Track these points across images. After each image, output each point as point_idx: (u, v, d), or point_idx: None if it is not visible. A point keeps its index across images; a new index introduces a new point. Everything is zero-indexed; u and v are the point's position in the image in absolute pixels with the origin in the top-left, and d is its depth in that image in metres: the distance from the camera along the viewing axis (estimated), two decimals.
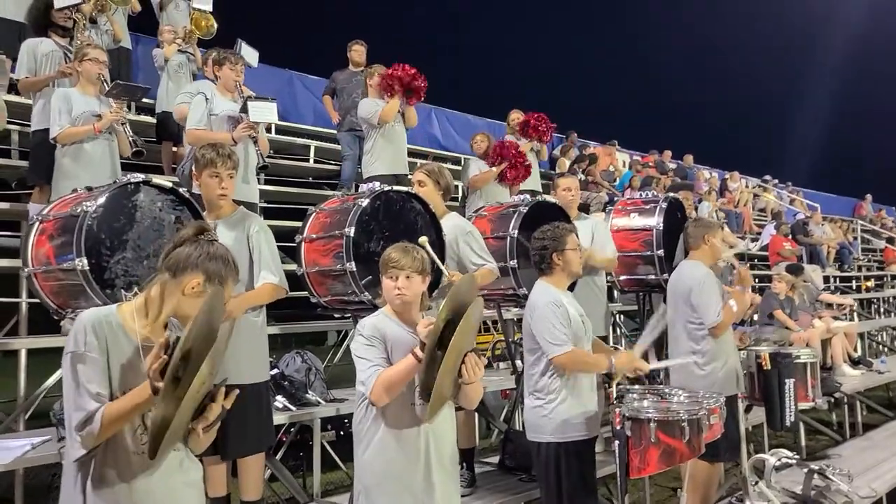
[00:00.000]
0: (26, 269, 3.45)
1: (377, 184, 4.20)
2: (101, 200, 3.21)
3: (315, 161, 9.26)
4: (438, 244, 4.13)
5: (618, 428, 3.41)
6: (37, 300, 5.25)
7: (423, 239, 3.79)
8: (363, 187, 4.25)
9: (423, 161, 9.63)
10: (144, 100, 7.24)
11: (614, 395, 3.59)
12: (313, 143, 9.31)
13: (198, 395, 2.02)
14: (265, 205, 5.98)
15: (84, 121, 4.73)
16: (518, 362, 5.36)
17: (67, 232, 3.20)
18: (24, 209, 5.75)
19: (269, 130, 5.89)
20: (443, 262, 4.08)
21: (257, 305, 3.75)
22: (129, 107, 5.09)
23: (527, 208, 4.88)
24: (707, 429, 3.49)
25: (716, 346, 4.42)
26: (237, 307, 3.48)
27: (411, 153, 10.59)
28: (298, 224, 7.13)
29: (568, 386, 3.63)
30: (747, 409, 5.12)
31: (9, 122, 5.32)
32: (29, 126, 5.53)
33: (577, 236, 3.85)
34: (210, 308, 2.03)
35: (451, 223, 4.34)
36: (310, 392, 4.59)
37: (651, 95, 29.77)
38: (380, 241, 3.99)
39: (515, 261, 4.73)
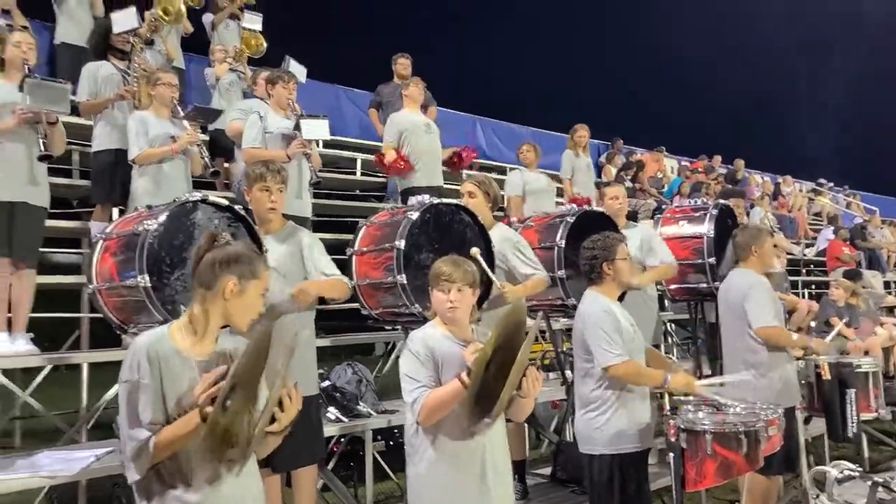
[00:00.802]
0: (91, 286, 3.58)
1: (426, 196, 4.23)
2: (162, 219, 3.31)
3: (361, 174, 9.37)
4: (487, 255, 4.15)
5: (672, 440, 3.37)
6: (98, 315, 5.44)
7: (475, 250, 3.82)
8: (412, 200, 4.29)
9: (472, 173, 9.67)
10: None
11: (667, 407, 3.56)
12: (360, 156, 9.42)
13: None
14: (313, 218, 6.07)
15: (161, 142, 4.90)
16: (568, 373, 5.33)
17: (130, 250, 3.32)
18: (85, 227, 5.96)
19: (316, 144, 5.99)
20: (492, 272, 4.10)
21: (308, 318, 3.81)
22: (202, 128, 5.28)
23: (574, 218, 4.87)
24: (765, 441, 3.41)
25: (772, 355, 4.32)
26: (309, 289, 3.55)
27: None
28: (346, 237, 7.27)
29: (620, 397, 3.59)
30: (806, 421, 4.99)
31: (69, 143, 5.52)
32: (89, 146, 5.74)
33: (626, 246, 3.83)
34: (258, 344, 2.09)
35: (499, 234, 4.36)
36: (361, 403, 4.64)
37: (699, 99, 29.31)
38: (429, 254, 4.02)
39: (563, 271, 4.71)
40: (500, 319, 2.67)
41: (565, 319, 5.63)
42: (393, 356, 8.29)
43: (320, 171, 5.76)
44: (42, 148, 4.37)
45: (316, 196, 8.17)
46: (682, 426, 3.37)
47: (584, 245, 3.82)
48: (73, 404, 7.41)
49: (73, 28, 7.11)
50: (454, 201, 4.27)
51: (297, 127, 5.18)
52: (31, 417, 7.03)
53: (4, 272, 4.38)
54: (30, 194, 4.46)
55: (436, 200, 4.18)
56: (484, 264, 3.84)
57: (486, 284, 3.92)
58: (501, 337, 2.63)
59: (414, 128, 6.40)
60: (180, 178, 5.02)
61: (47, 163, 4.50)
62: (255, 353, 2.06)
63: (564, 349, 5.85)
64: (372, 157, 9.43)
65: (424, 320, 3.85)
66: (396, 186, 7.89)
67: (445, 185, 7.92)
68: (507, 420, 3.03)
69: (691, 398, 3.79)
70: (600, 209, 5.20)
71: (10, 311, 4.46)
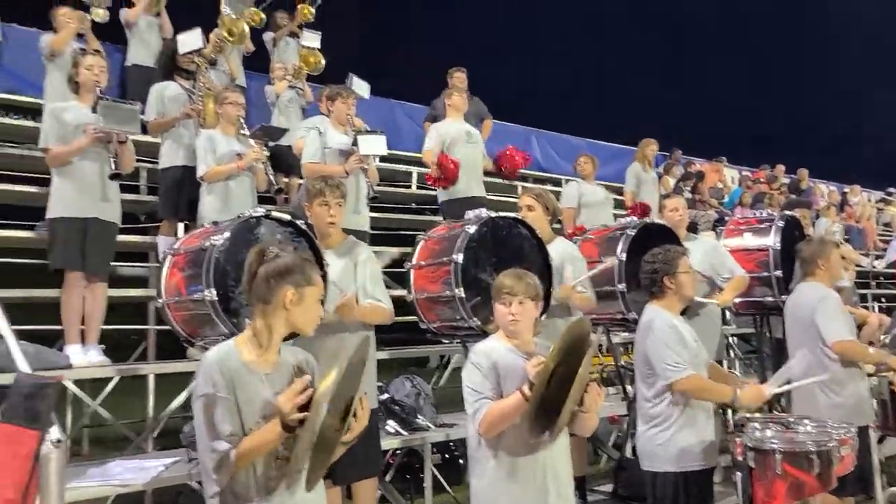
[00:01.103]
0: (160, 300, 3.69)
1: (483, 210, 4.25)
2: (227, 235, 3.40)
3: (417, 187, 9.44)
4: (545, 270, 4.13)
5: (740, 458, 3.29)
6: (164, 327, 5.59)
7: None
8: (469, 213, 4.31)
9: (528, 185, 9.65)
10: None
11: (733, 424, 3.47)
12: (415, 170, 9.49)
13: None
14: (371, 232, 6.13)
15: (227, 160, 5.04)
16: (629, 387, 5.25)
17: (197, 265, 3.41)
18: (152, 241, 6.15)
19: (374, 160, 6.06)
20: (550, 288, 4.08)
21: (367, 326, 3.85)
22: (266, 145, 5.43)
23: (635, 231, 4.80)
24: (838, 461, 3.29)
25: (844, 372, 4.17)
26: (352, 310, 3.57)
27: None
28: (402, 250, 7.33)
29: (684, 413, 3.52)
30: (880, 440, 4.79)
31: (138, 160, 5.70)
32: (156, 163, 5.93)
33: (689, 259, 3.77)
34: (358, 355, 2.16)
35: (558, 248, 4.33)
36: (420, 417, 4.66)
37: (760, 107, 28.59)
38: (486, 267, 4.03)
39: (624, 284, 4.65)
40: (562, 333, 2.66)
41: (625, 333, 5.56)
42: (449, 369, 8.32)
43: (377, 185, 5.83)
44: (112, 166, 4.53)
45: (372, 210, 8.27)
46: (749, 444, 3.29)
47: (644, 259, 3.77)
48: (139, 413, 7.62)
49: (142, 50, 7.37)
50: (512, 215, 4.27)
51: (355, 142, 5.26)
52: (99, 426, 7.25)
53: (78, 286, 4.54)
54: (102, 210, 4.62)
55: (493, 214, 4.19)
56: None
57: (546, 296, 3.90)
58: (563, 350, 2.63)
59: (455, 137, 6.38)
60: (246, 195, 5.15)
61: (118, 181, 4.66)
62: (356, 365, 2.13)
63: (624, 363, 5.77)
64: (428, 171, 9.56)
65: (483, 334, 3.87)
66: None
67: (504, 198, 7.93)
68: (571, 435, 3.00)
69: (758, 415, 3.69)
70: (661, 222, 5.12)
71: (83, 324, 4.62)
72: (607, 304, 4.55)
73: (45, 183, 6.00)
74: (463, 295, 3.92)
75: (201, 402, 2.23)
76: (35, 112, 7.29)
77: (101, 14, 6.80)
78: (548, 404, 2.62)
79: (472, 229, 4.01)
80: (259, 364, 2.33)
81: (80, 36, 6.53)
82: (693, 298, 3.87)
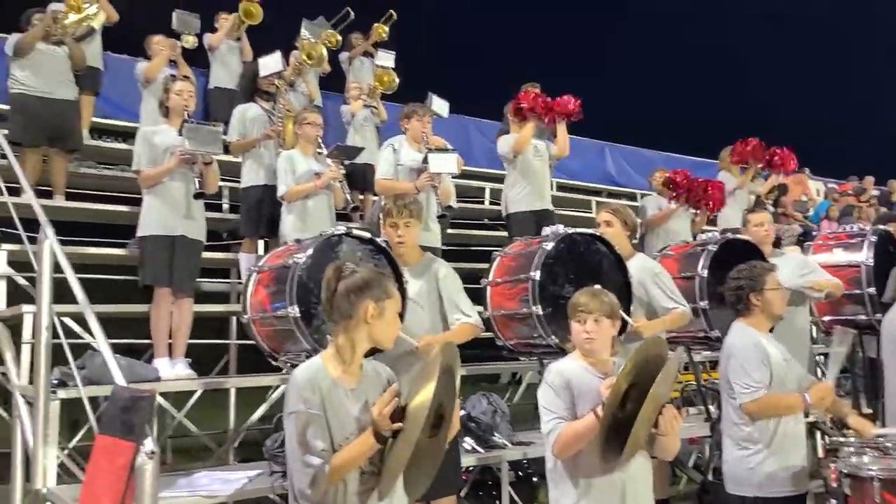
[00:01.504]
0: (245, 316, 3.80)
1: (560, 227, 4.21)
2: (309, 252, 3.48)
3: (490, 203, 9.45)
4: (625, 287, 4.06)
5: (834, 485, 3.15)
6: (245, 342, 5.72)
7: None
8: (546, 230, 4.28)
9: (603, 200, 9.53)
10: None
11: (826, 448, 3.33)
12: (488, 185, 9.52)
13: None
14: (443, 248, 6.15)
15: (306, 179, 5.19)
16: (711, 407, 5.08)
17: (280, 282, 3.50)
18: (234, 258, 6.34)
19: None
20: (629, 306, 3.99)
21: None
22: (342, 164, 5.57)
23: (717, 247, 4.67)
24: None
25: None
26: (435, 343, 3.58)
27: (584, 190, 10.57)
28: (474, 266, 7.33)
29: (773, 436, 3.41)
30: None
31: (220, 180, 5.91)
32: (238, 182, 6.12)
33: (777, 275, 3.65)
34: (445, 380, 2.19)
35: (638, 265, 4.25)
36: (496, 434, 4.62)
37: (845, 116, 27.46)
38: (565, 284, 3.99)
39: (706, 302, 4.53)
40: (635, 351, 2.62)
41: (708, 352, 5.39)
42: (523, 386, 8.25)
43: (451, 202, 5.87)
44: (197, 186, 4.71)
45: (444, 226, 8.32)
46: (845, 470, 3.14)
47: (730, 275, 3.68)
48: (220, 425, 7.83)
49: (224, 73, 7.66)
50: (590, 231, 4.21)
51: (426, 160, 5.32)
52: (182, 436, 7.48)
53: (166, 301, 4.72)
54: (188, 228, 4.80)
55: (571, 230, 4.14)
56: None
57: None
58: (636, 371, 2.59)
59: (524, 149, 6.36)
60: (324, 213, 5.28)
61: (202, 200, 4.83)
62: (449, 373, 2.16)
63: (706, 383, 5.60)
64: (502, 185, 9.57)
65: (561, 351, 3.82)
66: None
67: (574, 212, 7.84)
68: (653, 457, 2.94)
69: (852, 439, 3.52)
70: (745, 237, 4.96)
71: (170, 337, 4.79)
72: (689, 322, 4.42)
73: (136, 203, 6.29)
74: (540, 312, 3.89)
75: (293, 419, 2.28)
76: (127, 135, 7.66)
77: (190, 41, 7.12)
78: (621, 426, 2.58)
79: (549, 246, 3.99)
80: (344, 379, 2.38)
81: (172, 62, 6.82)
82: (781, 316, 3.74)
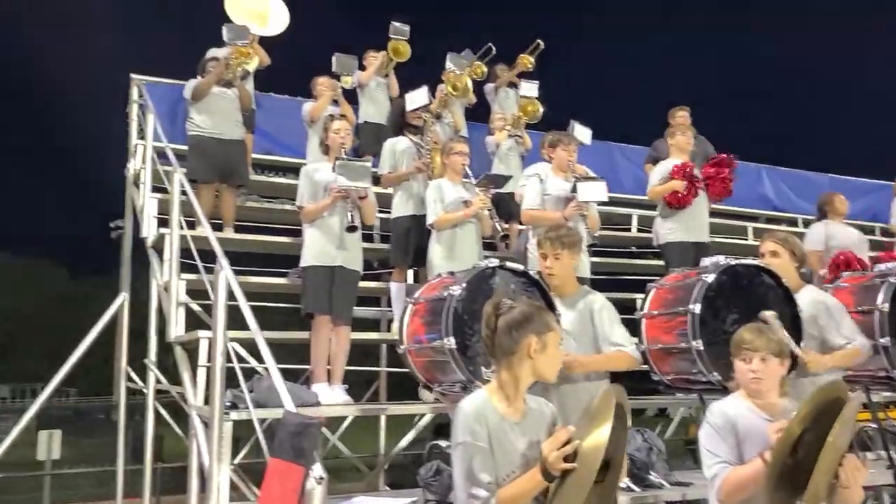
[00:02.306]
0: (401, 346, 3.91)
1: (721, 257, 4.02)
2: (464, 285, 3.53)
3: (637, 230, 9.21)
4: (794, 321, 3.80)
5: None
6: (395, 369, 5.85)
7: (769, 314, 3.51)
8: (705, 261, 4.10)
9: (760, 226, 9.04)
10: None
11: None
12: (635, 213, 9.28)
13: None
14: (591, 277, 6.04)
15: (454, 207, 5.30)
16: (893, 454, 4.64)
17: (436, 313, 3.58)
18: (384, 287, 6.56)
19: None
20: (799, 343, 3.73)
21: (605, 380, 3.77)
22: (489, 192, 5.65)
23: None
24: None
25: None
26: (581, 362, 3.52)
27: (740, 216, 10.04)
28: (622, 295, 7.14)
29: None
30: None
31: None
32: (388, 213, 6.34)
33: None
34: (617, 423, 2.16)
35: (808, 297, 3.97)
36: (652, 473, 4.44)
37: None
38: (727, 318, 3.80)
39: (887, 338, 4.15)
40: (811, 395, 2.44)
41: (889, 392, 4.94)
42: (675, 422, 7.93)
43: (598, 231, 5.78)
44: (350, 219, 4.93)
45: (592, 254, 8.18)
46: None
47: None
48: (370, 448, 8.06)
49: (373, 108, 7.98)
50: (754, 262, 3.99)
51: (575, 189, 5.27)
52: (335, 458, 7.76)
53: (326, 328, 4.94)
54: (346, 259, 5.02)
55: (733, 261, 3.95)
56: (780, 328, 3.51)
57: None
58: (812, 415, 2.41)
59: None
60: (471, 242, 5.34)
61: (353, 233, 5.03)
62: (623, 417, 2.14)
63: (886, 424, 5.12)
64: (649, 212, 9.31)
65: (723, 389, 3.63)
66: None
67: (730, 240, 7.44)
68: None
69: None
70: None
71: (329, 364, 5.00)
72: (868, 360, 4.07)
73: (296, 234, 6.67)
74: (701, 347, 3.72)
75: (461, 451, 2.30)
76: (286, 170, 8.18)
77: (348, 82, 7.50)
78: (792, 473, 2.40)
79: (710, 278, 3.81)
80: (509, 414, 2.38)
81: (334, 102, 7.23)
82: None
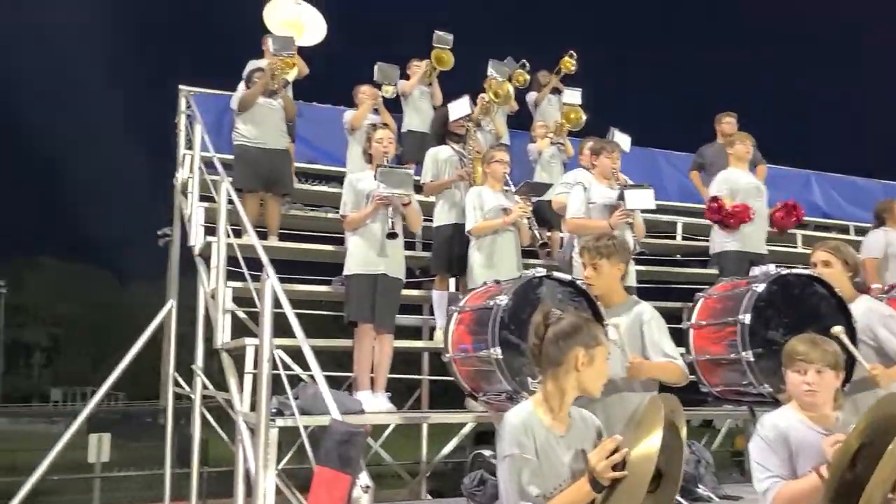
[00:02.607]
0: (446, 356, 3.91)
1: (772, 266, 3.94)
2: (510, 294, 3.52)
3: (683, 238, 9.07)
4: (849, 332, 3.69)
5: None
6: (438, 377, 5.83)
7: (838, 329, 3.43)
8: (755, 270, 4.02)
9: (810, 233, 8.84)
10: None
11: None
12: (680, 220, 9.15)
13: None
14: (636, 286, 5.96)
15: (494, 215, 5.29)
16: None
17: (482, 323, 3.57)
18: (426, 295, 6.57)
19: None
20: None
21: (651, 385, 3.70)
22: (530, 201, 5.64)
23: None
24: None
25: None
26: (643, 367, 3.48)
27: None
28: (669, 304, 7.02)
29: None
30: None
31: None
32: (430, 221, 6.36)
33: None
34: (669, 433, 2.14)
35: (863, 307, 3.86)
36: (700, 486, 4.37)
37: None
38: (778, 329, 3.71)
39: None
40: (870, 407, 2.37)
41: None
42: (722, 433, 7.78)
43: (643, 238, 5.72)
44: (390, 226, 4.96)
45: (637, 263, 8.07)
46: None
47: None
48: (411, 455, 8.06)
49: (416, 117, 8.02)
50: (806, 271, 3.90)
51: (621, 197, 5.22)
52: (377, 465, 7.78)
53: (369, 336, 4.97)
54: (388, 267, 5.05)
55: (784, 271, 3.86)
56: (849, 343, 3.42)
57: (849, 365, 3.48)
58: (871, 429, 2.33)
59: (746, 189, 6.04)
60: (510, 250, 5.32)
61: (393, 240, 5.05)
62: (675, 428, 2.10)
63: None
64: (694, 220, 9.16)
65: (774, 401, 3.54)
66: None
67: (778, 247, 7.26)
68: None
69: None
70: None
71: (372, 372, 5.03)
72: None
73: (338, 242, 6.73)
74: (751, 358, 3.64)
75: (508, 463, 2.29)
76: (329, 178, 8.26)
77: (390, 91, 7.55)
78: (850, 489, 2.33)
79: (760, 287, 3.73)
80: (555, 426, 2.36)
81: (375, 110, 7.29)
82: None
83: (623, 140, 6.73)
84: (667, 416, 2.17)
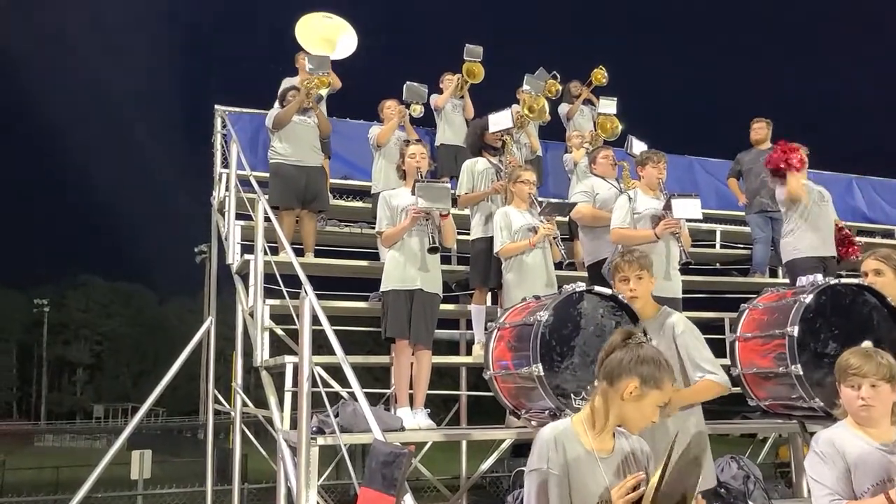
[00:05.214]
0: (487, 372, 3.86)
1: (819, 276, 3.84)
2: (551, 310, 3.47)
3: (721, 246, 8.93)
4: None
5: None
6: (477, 392, 5.78)
7: (867, 344, 3.32)
8: (801, 280, 3.92)
9: (860, 240, 8.63)
10: None
11: None
12: (718, 228, 9.01)
13: None
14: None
15: (521, 235, 5.27)
16: None
17: (523, 340, 3.52)
18: (464, 309, 6.53)
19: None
20: None
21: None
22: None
23: None
24: None
25: None
26: (673, 406, 3.39)
27: None
28: (708, 314, 6.89)
29: None
30: None
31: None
32: (466, 235, 6.33)
33: None
34: (690, 457, 2.04)
35: None
36: (749, 502, 4.25)
37: None
38: (828, 341, 3.61)
39: None
40: None
41: None
42: (767, 446, 7.59)
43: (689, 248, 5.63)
44: (431, 240, 4.94)
45: (682, 273, 7.95)
46: None
47: None
48: (449, 469, 8.01)
49: (449, 131, 8.03)
50: (855, 282, 3.79)
51: (668, 206, 5.15)
52: (415, 480, 7.75)
53: (407, 352, 4.94)
54: (425, 282, 5.02)
55: (832, 281, 3.76)
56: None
57: None
58: None
59: (808, 195, 5.96)
60: (541, 267, 5.27)
61: (435, 254, 5.04)
62: (687, 465, 2.02)
63: None
64: (733, 227, 9.02)
65: (827, 415, 3.43)
66: (764, 259, 7.30)
67: None
68: None
69: None
70: None
71: (411, 388, 5.00)
72: None
73: (373, 257, 6.74)
74: (800, 372, 3.53)
75: (534, 477, 2.25)
76: (364, 194, 8.29)
77: (417, 110, 7.55)
78: None
79: (808, 298, 3.62)
80: (594, 446, 2.29)
81: (401, 126, 7.30)
82: None
83: (640, 147, 6.67)
84: (692, 454, 2.10)
